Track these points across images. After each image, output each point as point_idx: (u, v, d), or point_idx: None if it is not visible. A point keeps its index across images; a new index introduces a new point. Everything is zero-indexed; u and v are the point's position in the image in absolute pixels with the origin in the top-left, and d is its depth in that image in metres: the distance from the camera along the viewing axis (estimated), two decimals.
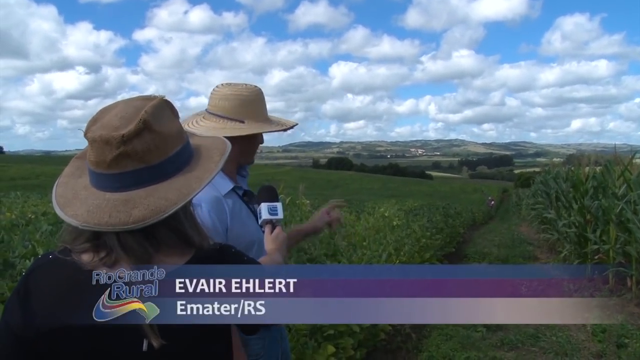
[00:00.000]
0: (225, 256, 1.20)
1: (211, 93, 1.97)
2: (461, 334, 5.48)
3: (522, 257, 10.89)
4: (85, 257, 1.09)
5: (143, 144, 1.06)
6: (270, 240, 1.74)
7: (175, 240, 1.12)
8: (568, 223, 9.60)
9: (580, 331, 5.70)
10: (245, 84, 1.98)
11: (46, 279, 1.10)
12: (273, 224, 1.79)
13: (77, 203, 1.08)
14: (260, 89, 1.97)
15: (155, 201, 1.05)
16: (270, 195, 1.85)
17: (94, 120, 1.09)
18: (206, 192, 1.78)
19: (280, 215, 1.80)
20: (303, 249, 5.47)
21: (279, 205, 1.82)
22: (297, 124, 2.09)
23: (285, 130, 2.01)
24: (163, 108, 1.13)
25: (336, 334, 3.81)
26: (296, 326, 3.60)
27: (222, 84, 1.98)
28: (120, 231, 1.04)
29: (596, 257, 8.12)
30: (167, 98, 1.17)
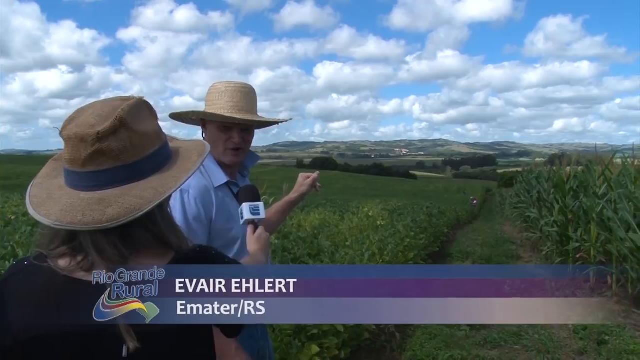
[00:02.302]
0: (206, 258, 1.19)
1: None
2: (445, 332, 5.51)
3: (505, 256, 10.97)
4: (62, 262, 1.07)
5: (119, 142, 1.04)
6: (253, 241, 1.73)
7: (152, 241, 1.11)
8: (550, 222, 9.69)
9: (562, 329, 5.76)
10: (225, 81, 2.05)
11: (22, 286, 1.07)
12: (255, 224, 1.78)
13: (50, 203, 1.06)
14: (235, 86, 2.02)
15: (130, 200, 1.03)
16: (252, 195, 1.85)
17: (71, 119, 1.08)
18: (196, 180, 1.83)
19: (263, 215, 1.79)
20: (287, 248, 5.46)
21: (260, 205, 1.81)
22: (279, 122, 2.11)
23: (246, 121, 2.00)
24: (141, 108, 1.12)
25: (320, 334, 3.80)
26: (280, 326, 3.59)
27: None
28: (94, 231, 1.02)
29: (577, 256, 8.21)
30: (146, 99, 1.15)
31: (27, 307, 1.05)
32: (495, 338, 5.40)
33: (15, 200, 15.15)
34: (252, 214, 1.78)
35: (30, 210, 1.07)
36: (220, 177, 1.96)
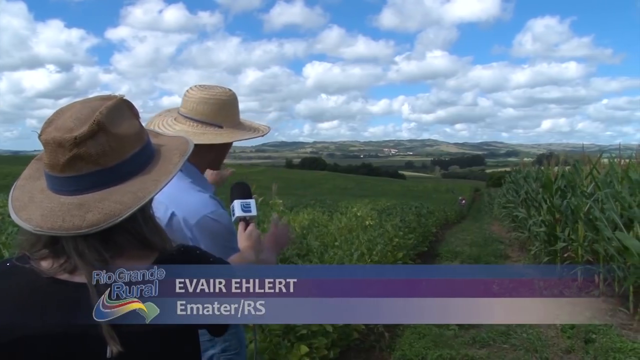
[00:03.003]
0: (190, 257, 1.18)
1: (185, 95, 1.92)
2: (434, 332, 5.52)
3: (494, 255, 11.01)
4: (45, 264, 1.06)
5: (97, 147, 1.03)
6: (244, 238, 1.73)
7: (135, 243, 1.09)
8: (538, 222, 9.75)
9: (550, 328, 5.79)
10: (220, 87, 1.94)
11: (4, 287, 1.06)
12: (246, 221, 1.78)
13: (32, 207, 1.05)
14: (234, 93, 1.94)
15: (110, 205, 1.02)
16: (243, 192, 1.85)
17: (49, 122, 1.06)
18: (207, 196, 1.79)
19: (254, 212, 1.80)
20: None
21: (252, 202, 1.82)
22: (270, 129, 2.07)
23: (262, 136, 2.00)
24: (120, 108, 1.10)
25: (309, 334, 3.80)
26: (269, 326, 3.58)
27: (196, 87, 1.92)
28: (75, 236, 1.01)
29: (565, 255, 8.26)
30: (130, 98, 1.13)
31: (9, 308, 1.03)
32: (484, 337, 5.42)
33: (1, 200, 15.03)
34: (244, 211, 1.79)
35: (12, 214, 1.06)
36: (210, 186, 1.93)
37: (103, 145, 1.03)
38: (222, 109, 1.88)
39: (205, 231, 1.70)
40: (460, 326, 5.75)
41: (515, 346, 5.27)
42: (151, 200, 1.09)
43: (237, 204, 1.80)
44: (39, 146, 1.06)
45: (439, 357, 4.86)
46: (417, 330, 5.56)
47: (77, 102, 1.11)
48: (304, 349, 3.60)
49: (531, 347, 5.17)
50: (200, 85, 1.92)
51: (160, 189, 1.09)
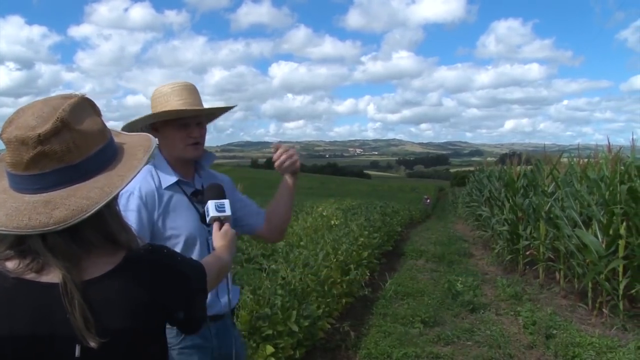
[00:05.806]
0: (158, 257, 1.19)
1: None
2: (399, 330, 5.56)
3: (458, 254, 11.13)
4: (10, 265, 1.04)
5: (62, 144, 1.02)
6: (219, 237, 1.74)
7: (103, 240, 1.09)
8: (501, 220, 9.92)
9: (513, 324, 5.90)
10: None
11: None
12: (221, 221, 1.79)
13: None
14: (181, 83, 2.02)
15: (77, 201, 1.01)
16: (218, 193, 1.87)
17: (10, 121, 1.05)
18: (141, 182, 1.87)
19: (228, 212, 1.82)
20: (240, 249, 5.41)
21: (226, 202, 1.83)
22: (231, 107, 2.12)
23: (194, 111, 1.99)
24: (83, 106, 1.10)
25: (275, 334, 3.78)
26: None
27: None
28: (45, 233, 1.00)
29: (527, 253, 8.42)
30: (91, 96, 1.14)
31: None
32: (448, 335, 5.48)
33: None
34: (218, 211, 1.80)
35: None
36: (170, 178, 1.98)
37: (67, 142, 1.03)
38: (159, 98, 2.00)
39: None
40: (425, 324, 5.81)
41: (479, 343, 5.34)
42: (117, 196, 1.09)
43: (211, 204, 1.81)
44: None
45: (404, 355, 4.89)
46: (382, 329, 5.59)
47: (38, 101, 1.10)
48: (270, 349, 3.58)
49: (494, 344, 5.24)
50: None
51: (126, 184, 1.09)
